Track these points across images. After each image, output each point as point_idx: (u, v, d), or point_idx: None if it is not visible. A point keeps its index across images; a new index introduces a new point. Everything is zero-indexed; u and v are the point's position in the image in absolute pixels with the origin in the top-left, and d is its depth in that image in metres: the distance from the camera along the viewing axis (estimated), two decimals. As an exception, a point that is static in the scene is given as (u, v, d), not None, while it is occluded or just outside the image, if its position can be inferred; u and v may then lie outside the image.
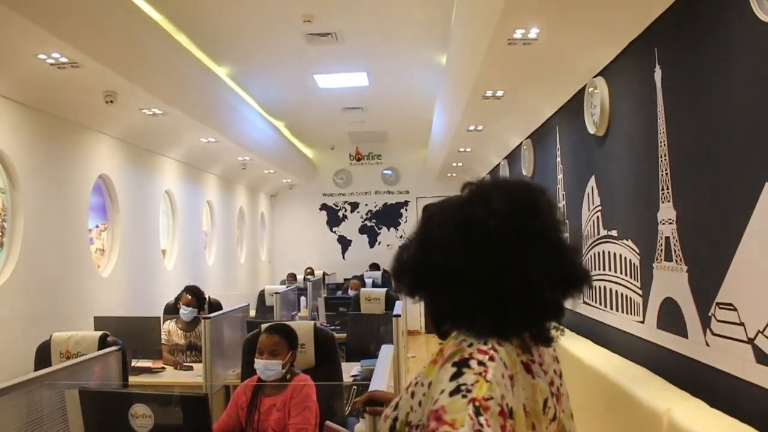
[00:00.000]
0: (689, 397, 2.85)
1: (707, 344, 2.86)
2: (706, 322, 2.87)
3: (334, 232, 13.26)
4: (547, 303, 1.16)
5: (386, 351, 2.97)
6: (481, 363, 1.07)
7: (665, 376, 3.16)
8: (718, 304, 2.76)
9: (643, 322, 3.66)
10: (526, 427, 1.08)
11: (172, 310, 5.80)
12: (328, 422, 2.01)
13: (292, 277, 10.58)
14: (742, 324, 2.57)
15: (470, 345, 1.11)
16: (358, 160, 13.19)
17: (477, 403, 1.00)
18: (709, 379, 2.83)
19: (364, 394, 1.60)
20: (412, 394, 1.19)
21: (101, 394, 2.57)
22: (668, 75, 3.30)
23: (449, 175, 12.05)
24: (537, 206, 1.17)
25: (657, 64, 3.38)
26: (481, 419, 0.99)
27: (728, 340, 2.68)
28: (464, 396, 1.01)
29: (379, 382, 2.57)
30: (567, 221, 5.00)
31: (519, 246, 1.12)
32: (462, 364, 1.07)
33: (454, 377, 1.05)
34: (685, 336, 3.07)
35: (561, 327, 1.21)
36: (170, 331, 5.33)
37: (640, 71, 3.64)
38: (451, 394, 1.03)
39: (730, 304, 2.66)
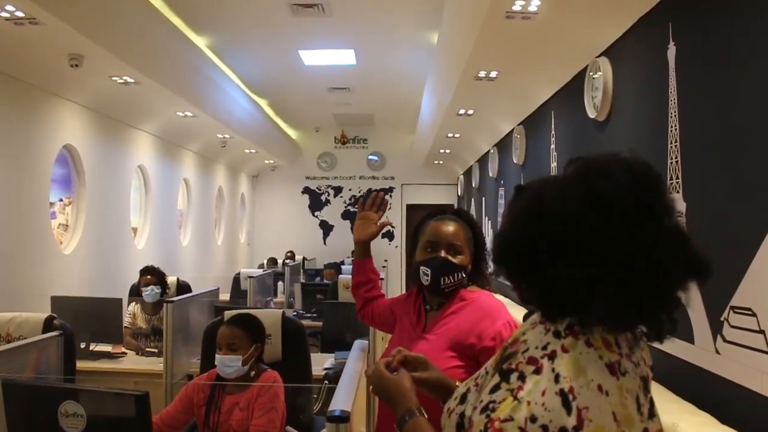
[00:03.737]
0: (696, 411, 2.56)
1: (717, 352, 2.57)
2: (716, 328, 2.58)
3: (316, 217, 12.96)
4: (672, 289, 1.04)
5: (357, 348, 2.65)
6: (521, 376, 1.00)
7: (668, 386, 2.87)
8: (732, 308, 2.47)
9: (641, 323, 3.37)
10: None
11: (136, 293, 5.46)
12: (289, 428, 1.80)
13: (273, 261, 10.24)
14: (762, 332, 2.28)
15: (526, 350, 1.04)
16: (344, 143, 12.86)
17: (489, 426, 0.97)
18: (719, 391, 2.54)
19: (398, 356, 1.43)
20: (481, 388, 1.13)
21: (27, 388, 2.23)
22: (684, 52, 2.99)
23: (436, 162, 11.79)
24: (659, 185, 1.08)
25: (671, 40, 3.07)
26: None
27: (743, 349, 2.39)
28: (487, 415, 0.99)
29: (348, 383, 2.26)
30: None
31: (644, 224, 1.02)
32: (505, 376, 1.03)
33: (493, 389, 1.02)
34: (691, 341, 2.78)
35: (676, 320, 1.06)
36: (135, 314, 5.01)
37: (649, 49, 3.33)
38: (482, 410, 1.00)
39: (749, 309, 2.37)
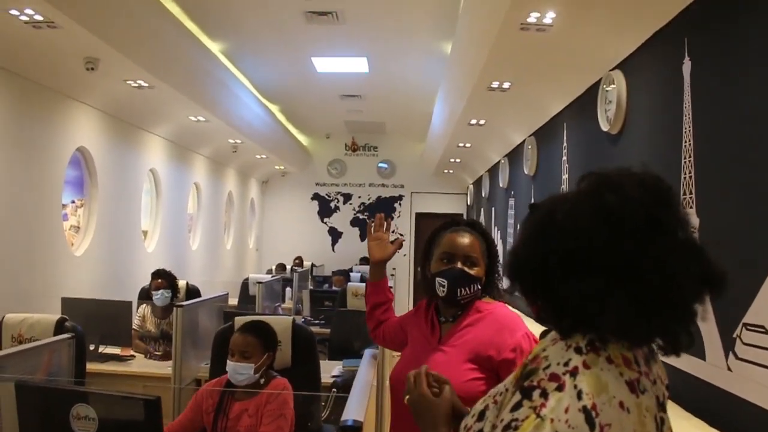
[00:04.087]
0: (707, 429, 2.55)
1: (729, 369, 2.56)
2: (728, 345, 2.57)
3: (325, 223, 12.96)
4: (687, 302, 1.03)
5: (368, 356, 2.65)
6: (543, 393, 0.98)
7: (678, 402, 2.85)
8: (745, 324, 2.46)
9: (651, 337, 3.35)
10: None
11: (146, 296, 5.47)
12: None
13: (281, 267, 10.25)
14: (775, 350, 2.27)
15: (547, 367, 1.02)
16: (354, 150, 12.88)
17: None
18: (731, 408, 2.53)
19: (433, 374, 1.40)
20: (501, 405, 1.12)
21: (40, 390, 2.24)
22: (699, 67, 2.99)
23: (446, 171, 11.79)
24: (670, 197, 1.08)
25: (687, 56, 3.07)
26: None
27: (756, 367, 2.38)
28: None
29: (360, 393, 2.26)
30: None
31: (656, 238, 1.01)
32: (526, 393, 1.01)
33: (515, 407, 1.01)
34: (703, 358, 2.77)
35: (692, 334, 1.05)
36: (145, 316, 5.01)
37: (664, 63, 3.33)
38: (504, 429, 0.99)
39: (762, 327, 2.35)
